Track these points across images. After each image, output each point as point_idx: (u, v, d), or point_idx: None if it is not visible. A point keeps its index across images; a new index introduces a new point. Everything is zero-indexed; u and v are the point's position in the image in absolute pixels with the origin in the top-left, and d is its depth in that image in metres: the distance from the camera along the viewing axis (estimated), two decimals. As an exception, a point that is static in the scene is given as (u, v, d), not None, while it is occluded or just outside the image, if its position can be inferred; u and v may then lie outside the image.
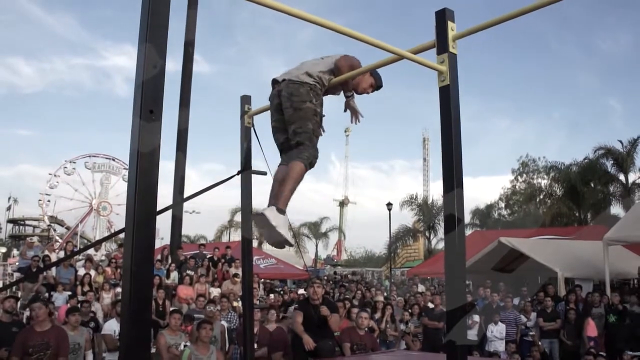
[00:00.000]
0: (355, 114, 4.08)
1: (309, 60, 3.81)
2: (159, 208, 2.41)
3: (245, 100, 4.41)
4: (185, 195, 15.94)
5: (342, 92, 4.08)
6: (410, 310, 12.56)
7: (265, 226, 3.12)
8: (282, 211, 3.17)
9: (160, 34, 2.19)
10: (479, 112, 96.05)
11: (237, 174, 4.23)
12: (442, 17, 3.24)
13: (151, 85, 2.09)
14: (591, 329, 11.53)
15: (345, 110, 4.08)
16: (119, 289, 12.24)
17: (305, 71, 3.65)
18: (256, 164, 4.37)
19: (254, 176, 4.34)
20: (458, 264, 3.04)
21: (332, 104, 4.09)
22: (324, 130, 3.73)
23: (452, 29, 3.23)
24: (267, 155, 4.18)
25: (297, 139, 3.43)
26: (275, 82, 3.74)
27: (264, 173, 4.30)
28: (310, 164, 3.36)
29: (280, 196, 3.24)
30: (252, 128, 4.33)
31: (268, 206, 3.25)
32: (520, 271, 17.56)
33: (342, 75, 3.72)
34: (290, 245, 3.31)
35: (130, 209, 2.07)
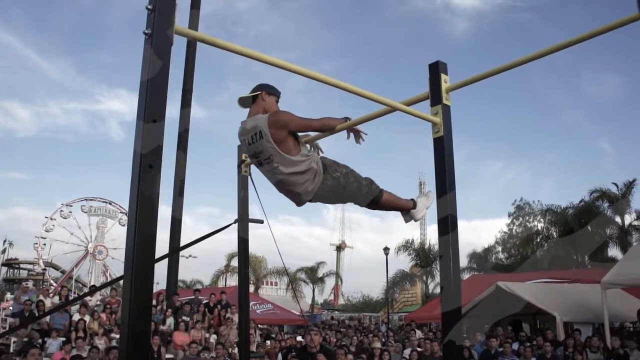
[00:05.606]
0: (357, 133, 3.92)
1: (278, 174, 3.59)
2: (156, 256, 2.43)
3: (242, 149, 4.43)
4: (182, 242, 15.91)
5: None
6: (408, 357, 12.39)
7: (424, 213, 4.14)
8: (414, 204, 4.05)
9: (160, 90, 2.24)
10: (471, 154, 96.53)
11: (234, 222, 4.25)
12: (436, 70, 3.31)
13: (150, 141, 2.11)
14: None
15: (347, 138, 3.92)
16: (112, 335, 12.11)
17: (303, 185, 3.58)
18: (252, 209, 4.37)
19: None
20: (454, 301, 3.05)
21: (328, 145, 4.08)
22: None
23: (446, 81, 3.30)
24: (263, 203, 4.22)
25: (366, 191, 3.84)
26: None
27: (261, 221, 4.32)
28: (380, 189, 3.91)
29: (404, 205, 4.05)
30: (249, 177, 4.36)
31: (409, 212, 4.06)
32: (519, 316, 17.37)
33: (301, 126, 3.62)
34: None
35: (128, 260, 2.09)
